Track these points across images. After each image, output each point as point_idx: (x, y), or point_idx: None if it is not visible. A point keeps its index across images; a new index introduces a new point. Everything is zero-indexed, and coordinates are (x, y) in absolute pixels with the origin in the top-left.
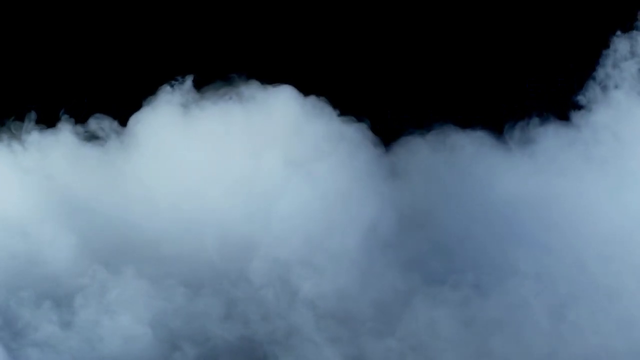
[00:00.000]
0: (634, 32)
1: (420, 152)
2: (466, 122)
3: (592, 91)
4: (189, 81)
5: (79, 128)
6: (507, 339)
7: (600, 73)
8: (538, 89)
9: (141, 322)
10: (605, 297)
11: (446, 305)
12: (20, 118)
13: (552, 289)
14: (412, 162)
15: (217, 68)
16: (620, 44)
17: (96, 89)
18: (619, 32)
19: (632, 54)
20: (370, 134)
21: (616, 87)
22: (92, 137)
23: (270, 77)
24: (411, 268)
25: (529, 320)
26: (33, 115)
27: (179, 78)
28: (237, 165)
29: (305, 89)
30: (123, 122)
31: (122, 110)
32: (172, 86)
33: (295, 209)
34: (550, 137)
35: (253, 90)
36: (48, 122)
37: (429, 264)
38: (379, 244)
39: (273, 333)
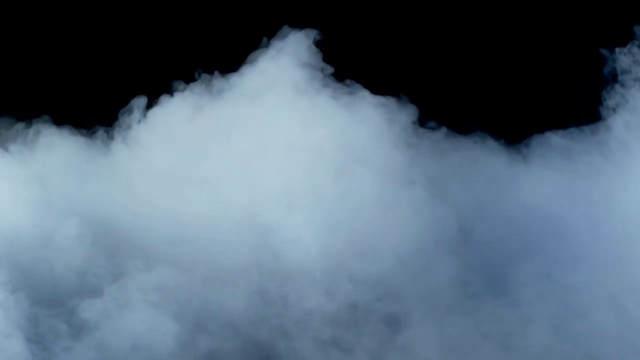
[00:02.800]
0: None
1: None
2: (475, 127)
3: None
4: (192, 81)
5: (78, 130)
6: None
7: (609, 78)
8: (543, 91)
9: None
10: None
11: (461, 317)
12: (17, 120)
13: (577, 302)
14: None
15: (221, 62)
16: (622, 55)
17: (95, 91)
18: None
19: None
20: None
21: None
22: (91, 140)
23: None
24: (433, 279)
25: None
26: (29, 118)
27: (182, 78)
28: (245, 164)
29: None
30: (124, 124)
31: (122, 112)
32: (174, 86)
33: (315, 218)
34: (561, 145)
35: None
36: (45, 124)
37: (448, 273)
38: (405, 255)
39: (281, 339)
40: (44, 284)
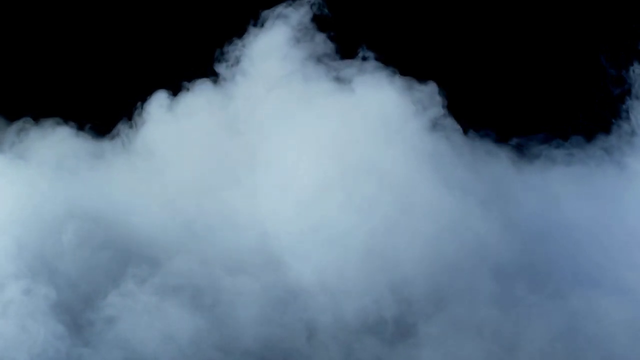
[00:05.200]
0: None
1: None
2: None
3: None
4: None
5: (77, 130)
6: None
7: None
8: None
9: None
10: None
11: (471, 330)
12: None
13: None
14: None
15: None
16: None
17: (93, 90)
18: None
19: None
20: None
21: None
22: (90, 140)
23: None
24: (449, 292)
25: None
26: (28, 119)
27: (179, 79)
28: (247, 178)
29: None
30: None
31: (120, 114)
32: (174, 87)
33: (332, 223)
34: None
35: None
36: (45, 126)
37: (463, 285)
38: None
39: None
40: (53, 284)
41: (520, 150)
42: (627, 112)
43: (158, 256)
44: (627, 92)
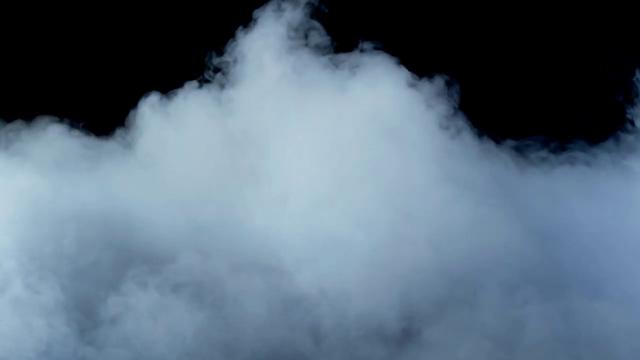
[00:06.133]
0: None
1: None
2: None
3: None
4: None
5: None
6: None
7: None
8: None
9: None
10: None
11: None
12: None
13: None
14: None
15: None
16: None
17: (93, 89)
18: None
19: None
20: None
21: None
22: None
23: None
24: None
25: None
26: (24, 119)
27: (174, 79)
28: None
29: None
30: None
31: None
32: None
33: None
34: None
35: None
36: (41, 125)
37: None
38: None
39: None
40: (57, 284)
41: (523, 153)
42: (631, 114)
43: (162, 256)
44: (629, 94)
